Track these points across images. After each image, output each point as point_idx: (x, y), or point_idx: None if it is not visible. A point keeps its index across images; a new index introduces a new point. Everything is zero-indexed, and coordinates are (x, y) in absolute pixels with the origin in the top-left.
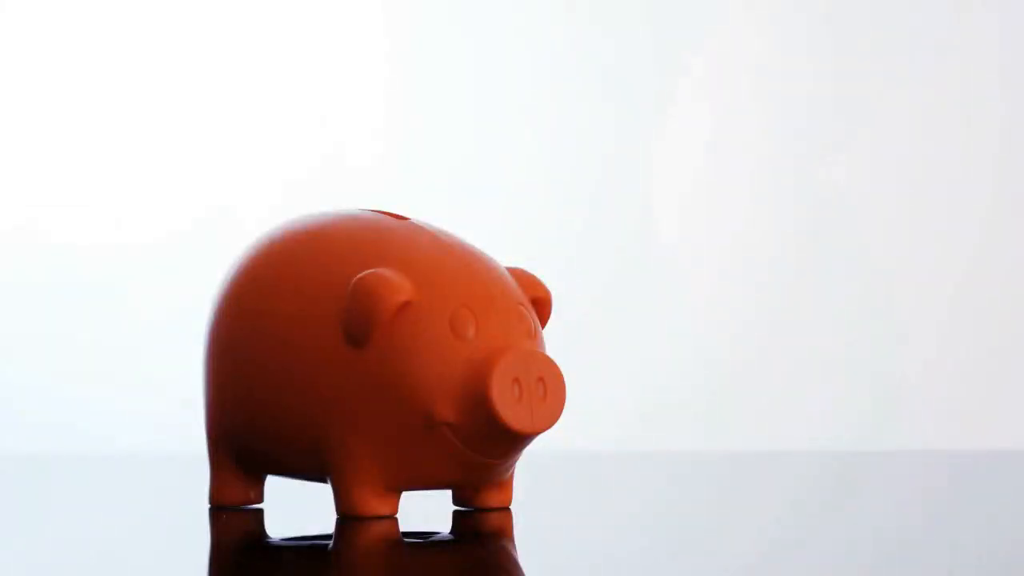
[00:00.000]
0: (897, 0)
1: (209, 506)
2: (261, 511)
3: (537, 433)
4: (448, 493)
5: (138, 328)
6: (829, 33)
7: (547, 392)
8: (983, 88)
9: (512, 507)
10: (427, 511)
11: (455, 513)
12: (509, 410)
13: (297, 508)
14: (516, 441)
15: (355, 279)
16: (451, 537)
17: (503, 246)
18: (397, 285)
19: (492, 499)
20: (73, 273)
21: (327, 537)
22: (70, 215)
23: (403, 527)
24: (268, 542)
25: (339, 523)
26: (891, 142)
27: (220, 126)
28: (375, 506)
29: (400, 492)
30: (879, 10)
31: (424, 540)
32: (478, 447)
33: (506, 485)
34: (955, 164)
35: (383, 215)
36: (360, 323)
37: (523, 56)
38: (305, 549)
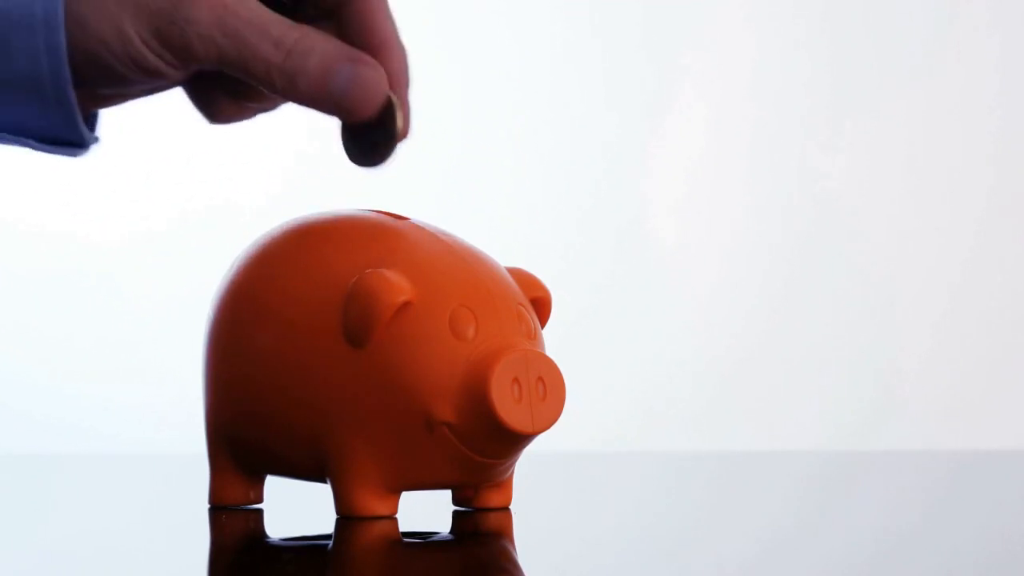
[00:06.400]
0: (893, 0)
1: (209, 506)
2: (261, 511)
3: (537, 433)
4: (448, 493)
5: (137, 325)
6: (825, 33)
7: (547, 392)
8: (979, 87)
9: (512, 507)
10: (427, 511)
11: (455, 513)
12: (509, 410)
13: (297, 508)
14: (516, 441)
15: (355, 279)
16: (451, 537)
17: (503, 246)
18: (397, 285)
19: (492, 499)
20: (72, 268)
21: (327, 537)
22: (68, 210)
23: (403, 527)
24: (268, 542)
25: (339, 523)
26: (888, 141)
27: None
28: (375, 506)
29: (400, 492)
30: (875, 10)
31: (424, 540)
32: (478, 447)
33: (506, 485)
34: (952, 163)
35: (383, 215)
36: (360, 323)
37: (521, 57)
38: (305, 549)
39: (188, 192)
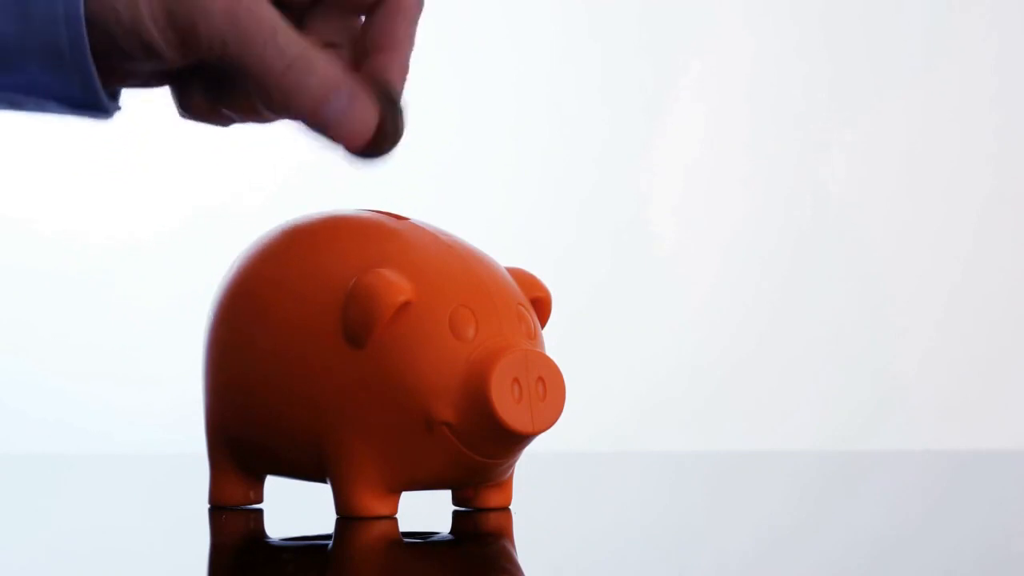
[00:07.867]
0: (891, 1)
1: (209, 506)
2: (261, 511)
3: (537, 433)
4: (448, 493)
5: (137, 326)
6: (823, 34)
7: (547, 392)
8: (978, 87)
9: (512, 507)
10: (427, 511)
11: (455, 513)
12: (509, 410)
13: (297, 508)
14: (516, 441)
15: (355, 279)
16: (451, 537)
17: (503, 246)
18: (397, 285)
19: (492, 499)
20: (72, 269)
21: (327, 537)
22: (69, 211)
23: (403, 527)
24: (268, 542)
25: (339, 523)
26: (886, 142)
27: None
28: (375, 506)
29: (400, 492)
30: (873, 10)
31: (424, 540)
32: (478, 447)
33: (506, 485)
34: (951, 164)
35: (383, 215)
36: (360, 323)
37: (520, 57)
38: (305, 549)
39: (188, 193)
